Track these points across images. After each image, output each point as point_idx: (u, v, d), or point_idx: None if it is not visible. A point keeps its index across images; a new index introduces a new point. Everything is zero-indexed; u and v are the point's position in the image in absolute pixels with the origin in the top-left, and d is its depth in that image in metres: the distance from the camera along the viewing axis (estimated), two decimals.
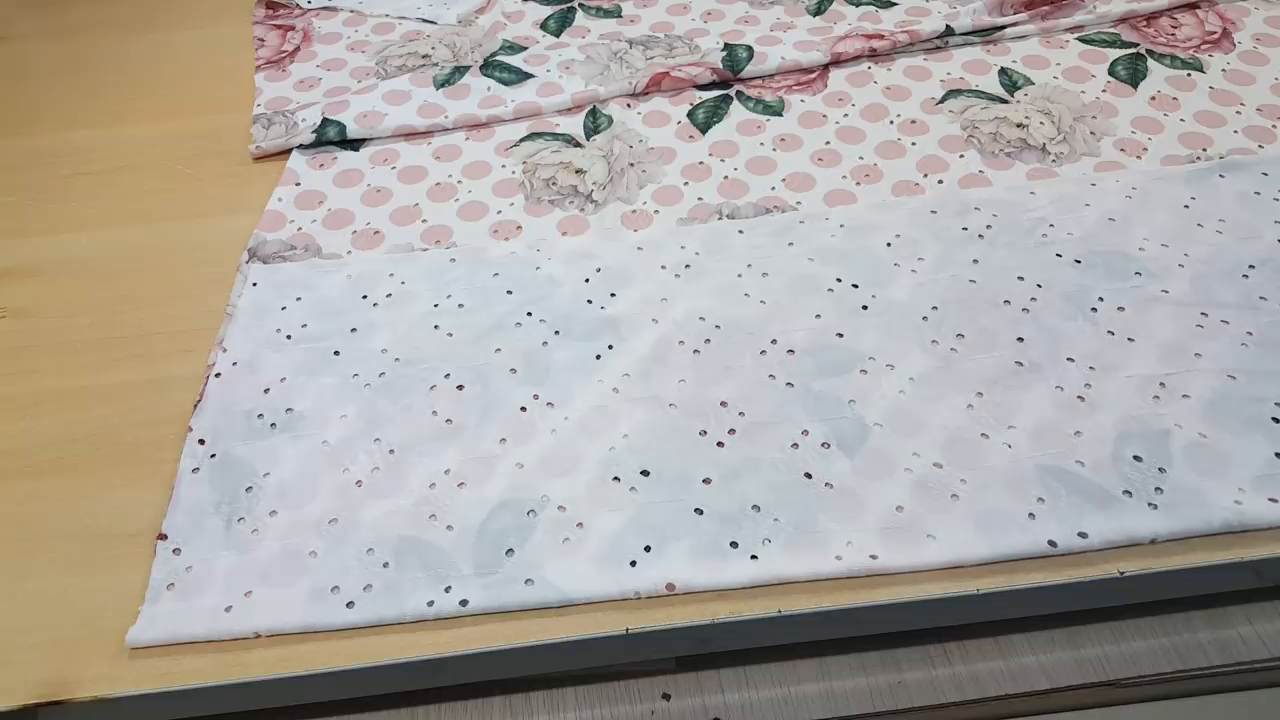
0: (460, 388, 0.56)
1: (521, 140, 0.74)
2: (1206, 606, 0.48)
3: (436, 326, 0.60)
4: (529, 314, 0.60)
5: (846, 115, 0.74)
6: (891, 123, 0.73)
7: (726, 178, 0.70)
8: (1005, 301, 0.59)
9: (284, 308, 0.62)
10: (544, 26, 0.86)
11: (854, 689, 0.47)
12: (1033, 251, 0.61)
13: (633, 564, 0.48)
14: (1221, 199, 0.64)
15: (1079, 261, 0.61)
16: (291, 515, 0.51)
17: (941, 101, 0.74)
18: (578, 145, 0.73)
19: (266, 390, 0.57)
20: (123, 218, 0.70)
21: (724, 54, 0.78)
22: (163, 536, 0.50)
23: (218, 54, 0.86)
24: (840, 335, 0.57)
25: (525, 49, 0.83)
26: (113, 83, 0.83)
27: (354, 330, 0.60)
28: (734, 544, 0.48)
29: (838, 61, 0.78)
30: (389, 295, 0.62)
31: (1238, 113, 0.71)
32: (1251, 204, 0.63)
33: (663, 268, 0.62)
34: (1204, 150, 0.68)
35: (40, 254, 0.68)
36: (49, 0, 0.95)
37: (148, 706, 0.46)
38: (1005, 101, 0.74)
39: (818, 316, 0.59)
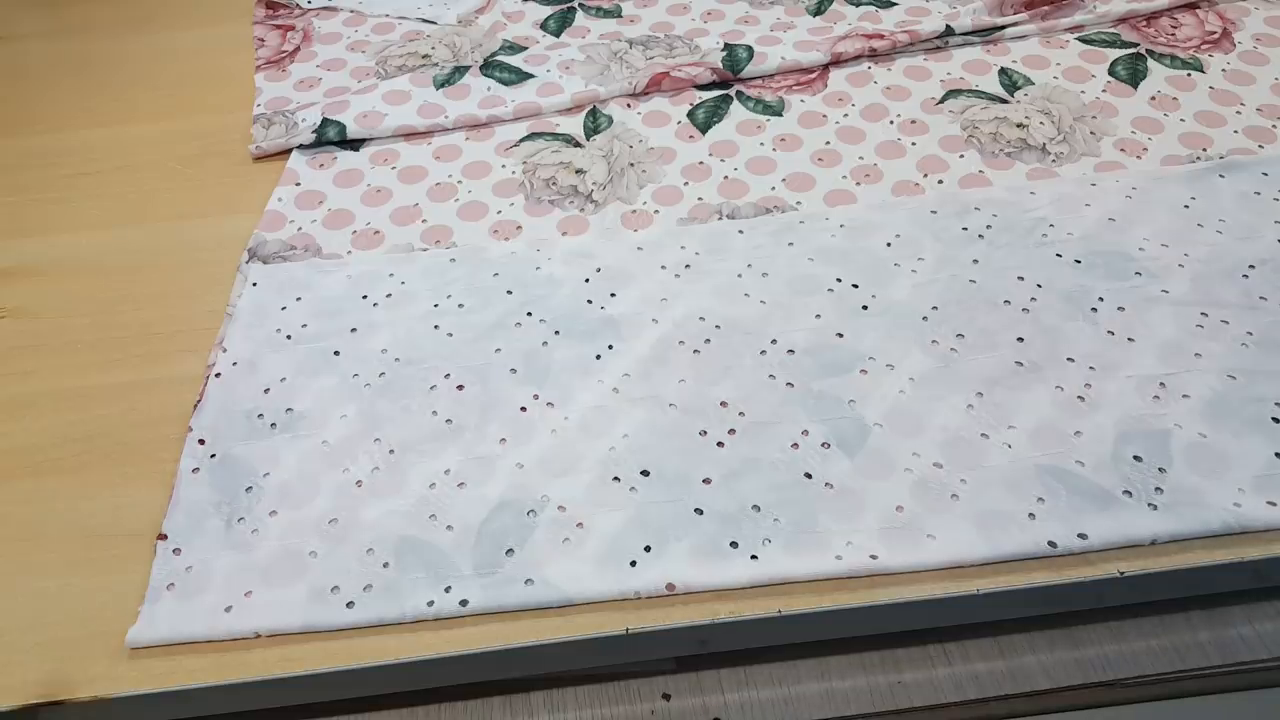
0: (460, 388, 0.56)
1: (521, 140, 0.74)
2: (1206, 606, 0.48)
3: (436, 326, 0.60)
4: (529, 314, 0.60)
5: (846, 115, 0.74)
6: (891, 123, 0.73)
7: (726, 178, 0.70)
8: (1005, 301, 0.59)
9: (284, 308, 0.62)
10: (544, 26, 0.86)
11: (854, 689, 0.47)
12: (1033, 251, 0.61)
13: (633, 564, 0.48)
14: (1221, 199, 0.64)
15: (1079, 261, 0.61)
16: (291, 515, 0.51)
17: (941, 101, 0.74)
18: (578, 145, 0.73)
19: (266, 390, 0.57)
20: (123, 218, 0.70)
21: (724, 54, 0.78)
22: (163, 536, 0.51)
23: (218, 54, 0.86)
24: (840, 335, 0.57)
25: (525, 49, 0.83)
26: (113, 83, 0.83)
27: (354, 330, 0.60)
28: (734, 544, 0.48)
29: (838, 61, 0.78)
30: (389, 295, 0.62)
31: (1238, 113, 0.71)
32: (1251, 204, 0.63)
33: (663, 268, 0.62)
34: (1204, 150, 0.68)
35: (40, 254, 0.68)
36: (49, 0, 0.95)
37: (148, 706, 0.46)
38: (1005, 101, 0.74)
39: (818, 316, 0.59)
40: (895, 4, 0.84)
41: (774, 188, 0.68)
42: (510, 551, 0.49)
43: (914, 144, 0.71)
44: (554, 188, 0.70)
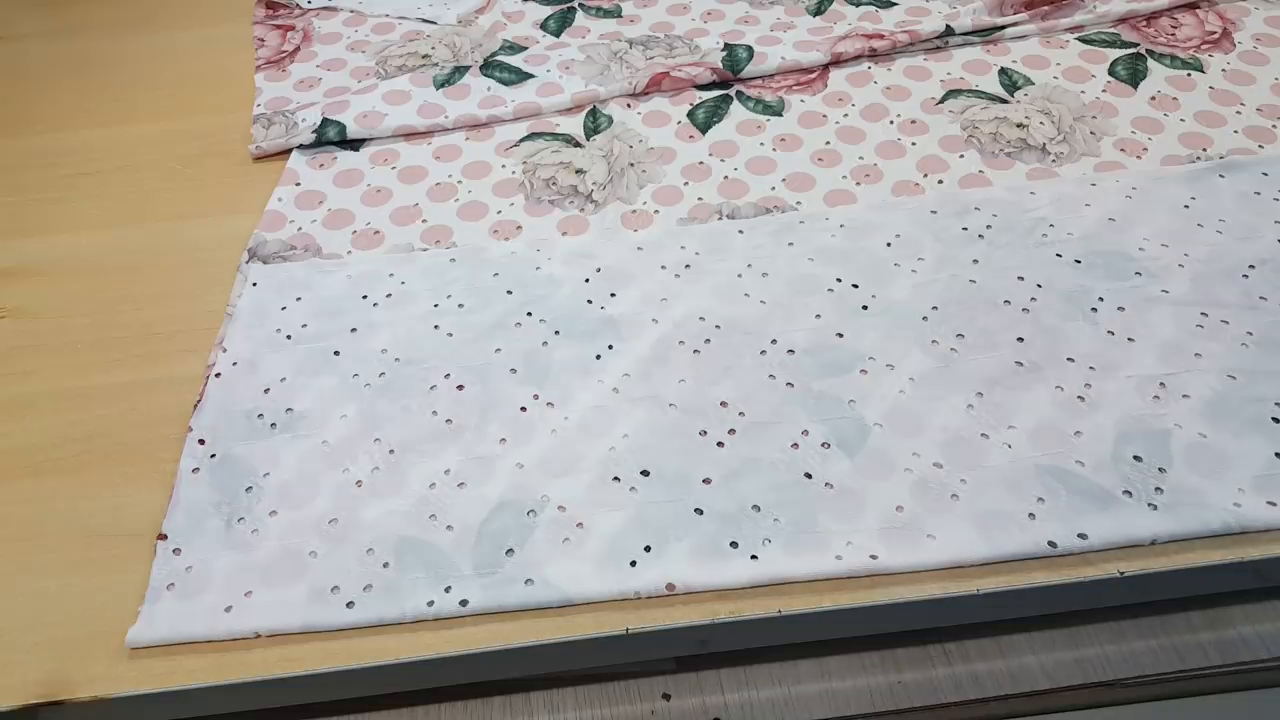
0: (460, 388, 0.56)
1: (521, 140, 0.74)
2: (1206, 606, 0.48)
3: (436, 326, 0.60)
4: (529, 314, 0.60)
5: (846, 115, 0.74)
6: (891, 123, 0.73)
7: (726, 178, 0.69)
8: (1005, 301, 0.59)
9: (284, 308, 0.62)
10: (544, 26, 0.86)
11: (854, 689, 0.47)
12: (1033, 251, 0.61)
13: (633, 564, 0.48)
14: (1221, 199, 0.64)
15: (1079, 261, 0.61)
16: (291, 515, 0.51)
17: (941, 101, 0.74)
18: (578, 145, 0.73)
19: (266, 390, 0.57)
20: (123, 218, 0.70)
21: (724, 54, 0.78)
22: (163, 536, 0.51)
23: (218, 54, 0.86)
24: (840, 335, 0.57)
25: (525, 49, 0.83)
26: (113, 83, 0.83)
27: (354, 330, 0.60)
28: (734, 544, 0.48)
29: (838, 61, 0.78)
30: (389, 295, 0.62)
31: (1238, 113, 0.71)
32: (1251, 204, 0.63)
33: (663, 268, 0.62)
34: (1204, 150, 0.68)
35: (40, 254, 0.68)
36: (49, 0, 0.95)
37: (148, 706, 0.46)
38: (1005, 101, 0.74)
39: (818, 316, 0.59)
40: (895, 4, 0.84)
41: (774, 188, 0.68)
42: (510, 551, 0.49)
43: (914, 144, 0.71)
44: (554, 188, 0.70)
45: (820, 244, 0.63)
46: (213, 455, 0.54)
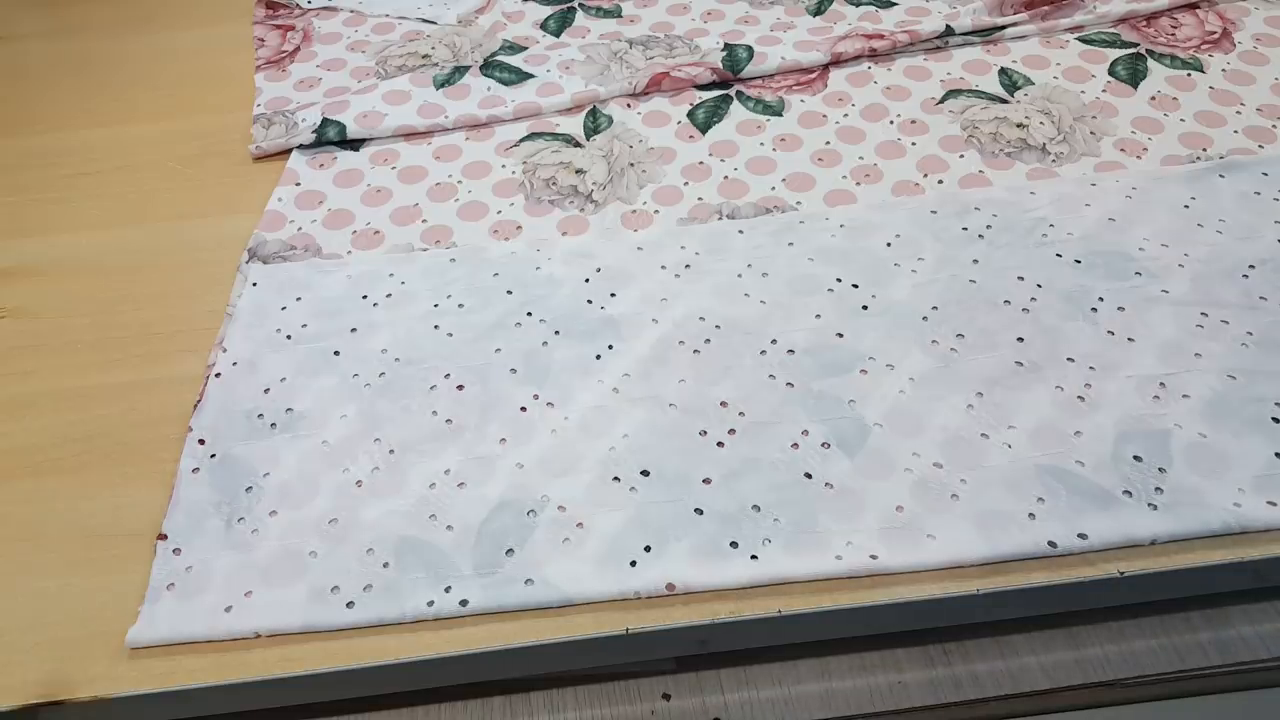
0: (460, 388, 0.56)
1: (521, 140, 0.74)
2: (1206, 606, 0.48)
3: (436, 326, 0.60)
4: (529, 314, 0.60)
5: (846, 115, 0.74)
6: (891, 123, 0.73)
7: (726, 178, 0.69)
8: (1005, 301, 0.59)
9: (284, 308, 0.62)
10: (544, 26, 0.86)
11: (854, 689, 0.47)
12: (1033, 251, 0.61)
13: (633, 564, 0.48)
14: (1221, 199, 0.64)
15: (1079, 261, 0.61)
16: (291, 515, 0.51)
17: (941, 101, 0.74)
18: (578, 145, 0.73)
19: (266, 390, 0.57)
20: (123, 218, 0.70)
21: (724, 54, 0.78)
22: (163, 536, 0.51)
23: (218, 54, 0.86)
24: (840, 335, 0.57)
25: (525, 49, 0.83)
26: (113, 83, 0.84)
27: (354, 330, 0.60)
28: (734, 544, 0.48)
29: (838, 61, 0.78)
30: (389, 295, 0.62)
31: (1238, 113, 0.71)
32: (1251, 204, 0.63)
33: (663, 268, 0.62)
34: (1204, 150, 0.68)
35: (40, 254, 0.68)
36: (49, 0, 0.95)
37: (148, 706, 0.46)
38: (1005, 101, 0.74)
39: (818, 316, 0.59)
40: (895, 4, 0.84)
41: (774, 188, 0.68)
42: (510, 551, 0.49)
43: (914, 144, 0.71)
44: (554, 188, 0.70)
45: (820, 244, 0.63)
46: (213, 455, 0.54)
